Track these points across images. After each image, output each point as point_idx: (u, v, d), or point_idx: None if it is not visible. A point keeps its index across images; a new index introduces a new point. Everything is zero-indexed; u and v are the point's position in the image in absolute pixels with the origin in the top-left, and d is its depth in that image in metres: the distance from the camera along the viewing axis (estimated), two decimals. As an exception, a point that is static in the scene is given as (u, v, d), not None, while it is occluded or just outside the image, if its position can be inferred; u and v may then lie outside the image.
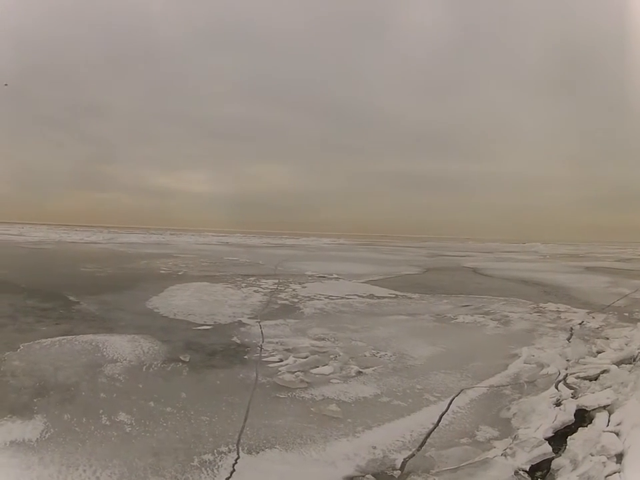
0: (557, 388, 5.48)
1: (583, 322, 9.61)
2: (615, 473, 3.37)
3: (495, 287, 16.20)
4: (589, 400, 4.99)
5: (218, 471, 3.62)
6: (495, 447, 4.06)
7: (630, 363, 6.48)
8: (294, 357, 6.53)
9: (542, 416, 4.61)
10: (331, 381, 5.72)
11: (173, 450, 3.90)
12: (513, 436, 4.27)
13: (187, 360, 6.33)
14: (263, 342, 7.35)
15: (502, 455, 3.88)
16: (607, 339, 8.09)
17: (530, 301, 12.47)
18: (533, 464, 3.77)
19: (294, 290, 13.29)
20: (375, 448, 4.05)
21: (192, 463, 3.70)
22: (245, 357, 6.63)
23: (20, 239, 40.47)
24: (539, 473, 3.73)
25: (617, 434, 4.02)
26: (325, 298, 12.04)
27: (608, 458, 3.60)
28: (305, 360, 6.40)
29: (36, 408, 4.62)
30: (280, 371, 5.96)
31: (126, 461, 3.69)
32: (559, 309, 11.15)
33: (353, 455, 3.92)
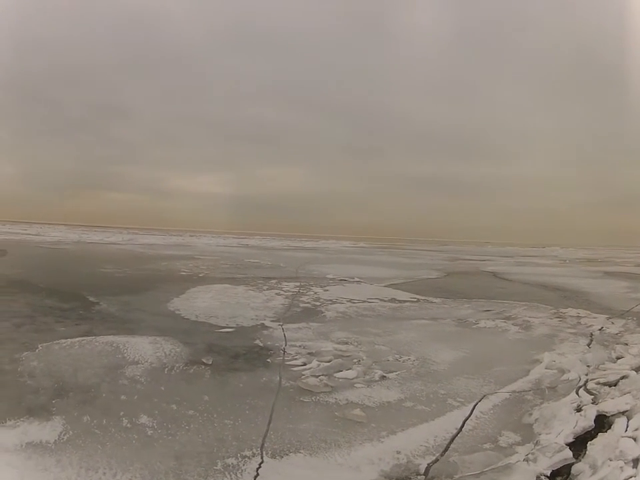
0: (577, 394, 5.53)
1: (602, 327, 9.63)
2: (631, 477, 3.44)
3: (515, 291, 16.17)
4: (608, 406, 5.05)
5: (241, 475, 3.59)
6: (517, 452, 4.09)
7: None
8: (317, 360, 6.56)
9: (563, 422, 4.66)
10: (355, 385, 5.76)
11: (195, 453, 3.86)
12: (535, 441, 4.31)
13: (210, 363, 6.33)
14: (285, 345, 7.40)
15: (524, 460, 3.91)
16: (626, 344, 8.11)
17: (550, 306, 12.49)
18: (554, 469, 3.81)
19: (316, 293, 13.44)
20: (399, 453, 4.07)
21: (215, 467, 3.67)
22: (268, 360, 6.65)
23: (38, 239, 40.70)
24: (559, 478, 3.77)
25: (635, 439, 4.08)
26: (347, 301, 12.15)
27: (625, 463, 3.66)
28: (328, 364, 6.44)
29: (54, 409, 4.54)
30: (304, 375, 6.00)
31: (147, 464, 3.63)
32: (579, 314, 11.14)
33: (377, 460, 3.94)
